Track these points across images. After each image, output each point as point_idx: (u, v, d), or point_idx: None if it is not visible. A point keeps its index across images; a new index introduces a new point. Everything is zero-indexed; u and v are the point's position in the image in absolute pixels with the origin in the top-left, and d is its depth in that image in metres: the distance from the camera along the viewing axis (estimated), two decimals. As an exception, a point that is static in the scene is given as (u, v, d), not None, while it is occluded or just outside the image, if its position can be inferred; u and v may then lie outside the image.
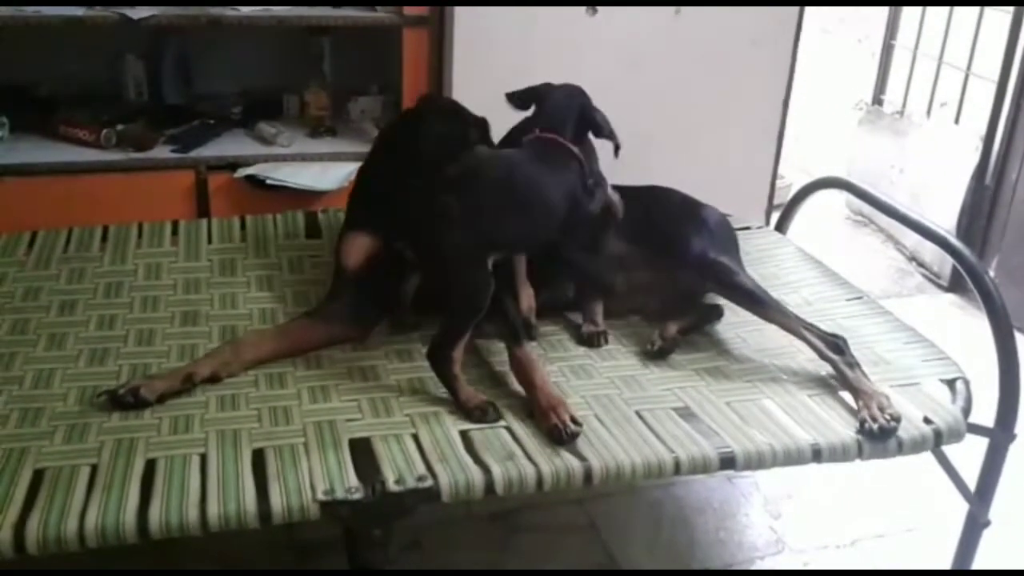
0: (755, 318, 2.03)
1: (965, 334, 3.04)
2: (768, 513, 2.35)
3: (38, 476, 1.45)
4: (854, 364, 1.82)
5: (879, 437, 1.66)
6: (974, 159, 3.59)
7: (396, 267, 1.83)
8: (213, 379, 1.73)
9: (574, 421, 1.62)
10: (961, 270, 2.03)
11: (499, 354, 1.85)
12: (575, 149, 1.93)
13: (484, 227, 1.73)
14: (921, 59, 4.02)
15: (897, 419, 1.68)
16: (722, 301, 2.10)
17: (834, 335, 1.88)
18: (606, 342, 1.95)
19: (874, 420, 1.68)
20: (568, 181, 1.89)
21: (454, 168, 1.79)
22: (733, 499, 2.39)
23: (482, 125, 1.98)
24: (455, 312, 1.71)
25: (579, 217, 1.90)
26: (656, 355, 1.90)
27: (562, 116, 1.96)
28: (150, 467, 1.49)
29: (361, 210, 1.99)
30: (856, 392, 1.77)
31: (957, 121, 3.80)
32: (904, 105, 4.11)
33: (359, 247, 1.91)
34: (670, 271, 2.06)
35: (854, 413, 1.73)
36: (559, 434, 1.59)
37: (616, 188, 2.19)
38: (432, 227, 1.72)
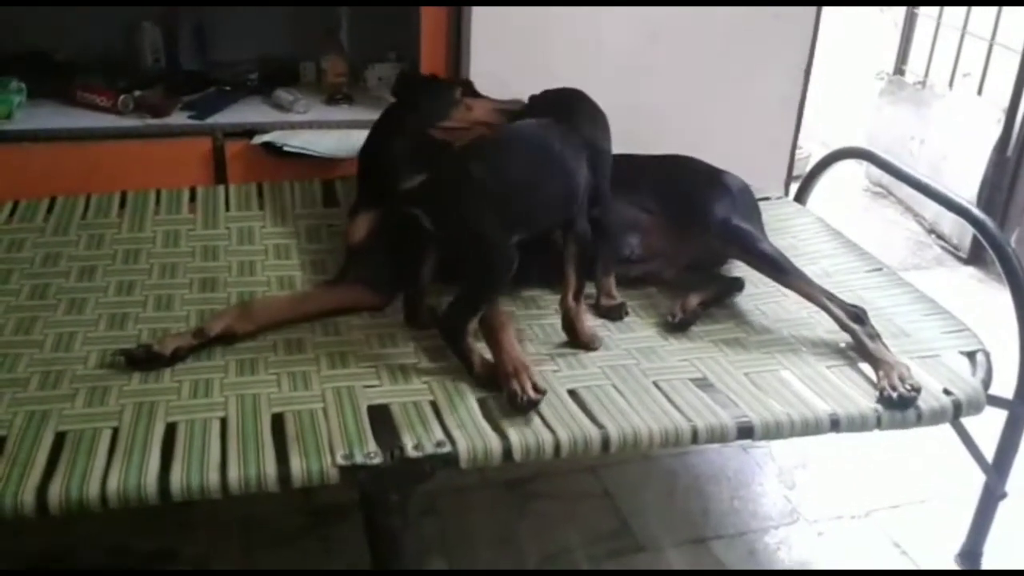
0: (774, 290, 2.03)
1: (984, 307, 3.03)
2: (783, 483, 2.35)
3: (60, 439, 1.47)
4: (875, 335, 1.82)
5: (898, 405, 1.66)
6: (996, 131, 3.55)
7: (413, 244, 1.80)
8: (227, 336, 1.74)
9: (535, 389, 1.57)
10: (983, 241, 2.01)
11: (516, 321, 1.87)
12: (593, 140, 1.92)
13: (511, 198, 1.69)
14: (944, 29, 3.96)
15: (917, 389, 1.68)
16: (740, 272, 2.09)
17: (854, 306, 1.88)
18: (627, 314, 1.94)
19: (894, 388, 1.68)
20: (582, 164, 1.87)
21: (483, 137, 1.78)
22: (748, 469, 2.39)
23: (466, 83, 2.07)
24: (473, 285, 1.69)
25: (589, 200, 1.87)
26: (677, 327, 1.89)
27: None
28: (171, 430, 1.50)
29: (365, 192, 2.03)
30: (877, 362, 1.76)
31: (980, 92, 3.75)
32: (926, 75, 4.06)
33: (362, 222, 1.94)
34: (689, 239, 2.05)
35: (873, 384, 1.72)
36: (515, 400, 1.56)
37: (637, 157, 2.18)
38: (458, 194, 1.69)
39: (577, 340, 1.81)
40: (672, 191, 2.09)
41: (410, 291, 1.84)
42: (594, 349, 1.81)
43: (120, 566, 1.96)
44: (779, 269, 1.96)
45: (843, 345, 1.86)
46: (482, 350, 1.70)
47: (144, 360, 1.65)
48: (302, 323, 1.83)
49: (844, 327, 1.85)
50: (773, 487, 2.34)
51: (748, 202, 2.15)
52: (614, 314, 1.94)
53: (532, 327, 1.88)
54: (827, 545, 2.16)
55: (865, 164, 4.18)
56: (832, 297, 1.90)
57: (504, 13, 2.49)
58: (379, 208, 1.94)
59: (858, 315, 1.85)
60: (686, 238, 2.06)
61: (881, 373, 1.73)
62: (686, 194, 2.08)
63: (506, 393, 1.58)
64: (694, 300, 1.94)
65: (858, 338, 1.82)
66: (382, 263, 1.91)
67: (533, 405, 1.56)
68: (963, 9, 3.83)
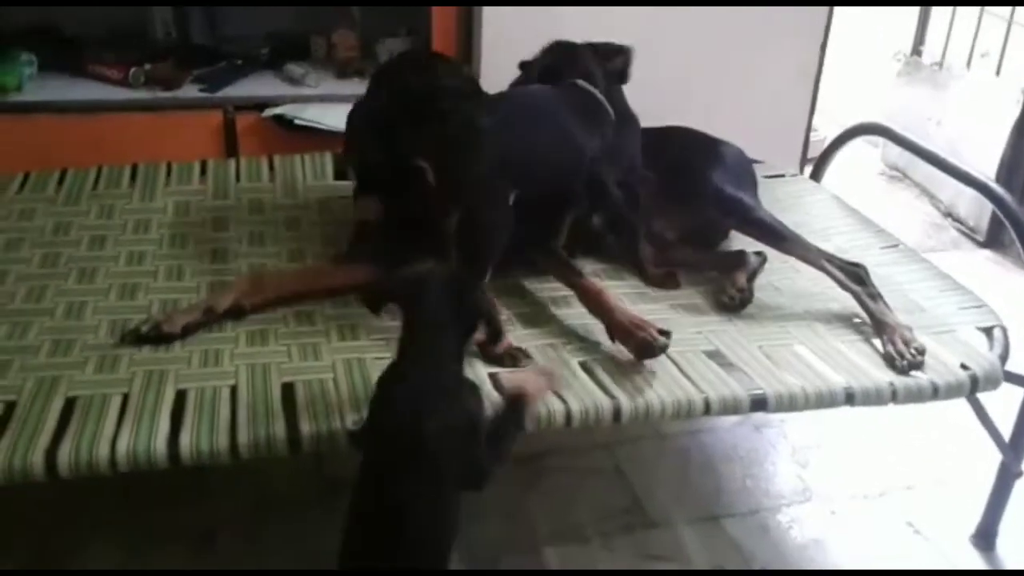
0: (787, 266, 2.01)
1: (1001, 288, 3.00)
2: (796, 462, 2.33)
3: (70, 404, 1.47)
4: (876, 295, 1.82)
5: (908, 372, 1.66)
6: (1015, 111, 3.50)
7: (430, 211, 1.74)
8: (236, 311, 1.73)
9: (662, 332, 1.62)
10: (1002, 217, 1.98)
11: (520, 295, 1.86)
12: (608, 108, 1.91)
13: (512, 151, 1.68)
14: (962, 8, 3.91)
15: (922, 352, 1.69)
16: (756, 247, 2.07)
17: (854, 264, 1.87)
18: (678, 285, 1.93)
19: (902, 356, 1.68)
20: (594, 135, 1.87)
21: (487, 96, 1.79)
22: (760, 447, 2.37)
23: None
24: (477, 248, 1.66)
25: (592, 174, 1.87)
26: (738, 306, 1.86)
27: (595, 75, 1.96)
28: (180, 397, 1.50)
29: (366, 175, 1.97)
30: (878, 324, 1.76)
31: (998, 73, 3.70)
32: (943, 56, 4.01)
33: (372, 202, 1.92)
34: (686, 209, 2.04)
35: (889, 359, 1.70)
36: (649, 346, 1.60)
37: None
38: (464, 144, 1.66)
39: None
40: (668, 163, 2.07)
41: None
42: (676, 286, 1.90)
43: (127, 545, 1.95)
44: (776, 236, 1.96)
45: (857, 320, 1.84)
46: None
47: (154, 340, 1.64)
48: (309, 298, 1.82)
49: (845, 287, 1.85)
50: (786, 466, 2.32)
51: (743, 171, 2.13)
52: (670, 283, 1.92)
53: (545, 304, 1.87)
54: (840, 524, 2.14)
55: (881, 147, 4.14)
56: (831, 259, 1.89)
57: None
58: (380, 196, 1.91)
59: (858, 275, 1.85)
60: (683, 208, 2.05)
61: (885, 338, 1.73)
62: (681, 166, 2.06)
63: (634, 344, 1.62)
64: (741, 278, 1.91)
65: (860, 299, 1.82)
66: (389, 243, 1.89)
67: (664, 348, 1.61)
68: (982, -11, 3.78)
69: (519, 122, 1.77)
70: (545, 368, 1.59)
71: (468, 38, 2.53)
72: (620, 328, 1.66)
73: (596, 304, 1.73)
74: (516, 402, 1.39)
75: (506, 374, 1.51)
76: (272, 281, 1.83)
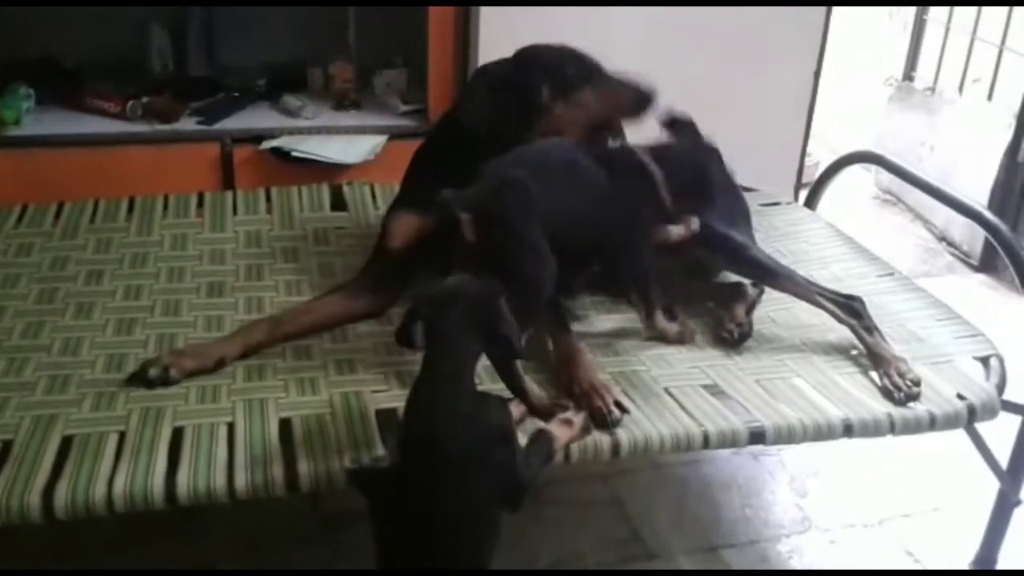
0: (784, 297, 2.00)
1: (996, 313, 3.01)
2: (794, 491, 2.33)
3: (66, 442, 1.46)
4: (872, 328, 1.82)
5: (905, 404, 1.66)
6: (1007, 136, 3.53)
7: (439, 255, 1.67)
8: (244, 357, 1.72)
9: (619, 407, 1.58)
10: (996, 245, 1.99)
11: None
12: (654, 172, 1.81)
13: (546, 203, 1.63)
14: (954, 34, 3.95)
15: (918, 383, 1.69)
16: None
17: (849, 297, 1.87)
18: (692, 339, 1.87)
19: (898, 388, 1.68)
20: (628, 195, 1.78)
21: (524, 147, 1.76)
22: (759, 477, 2.37)
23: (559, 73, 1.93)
24: (517, 298, 1.54)
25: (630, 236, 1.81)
26: (737, 342, 1.83)
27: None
28: (177, 435, 1.49)
29: (414, 191, 1.94)
30: (874, 357, 1.76)
31: (990, 98, 3.73)
32: (936, 81, 4.04)
33: (406, 226, 1.87)
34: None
35: (886, 391, 1.70)
36: (603, 418, 1.56)
37: None
38: (501, 199, 1.61)
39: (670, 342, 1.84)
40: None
41: None
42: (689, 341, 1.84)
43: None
44: (768, 273, 1.94)
45: (855, 352, 1.84)
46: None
47: (161, 385, 1.62)
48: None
49: (841, 321, 1.84)
50: (785, 495, 2.32)
51: (734, 205, 2.10)
52: (687, 338, 1.86)
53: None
54: (839, 554, 2.13)
55: (874, 171, 4.17)
56: (823, 292, 1.89)
57: (513, 15, 2.48)
58: (426, 211, 1.81)
59: (853, 308, 1.84)
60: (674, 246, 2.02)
61: (881, 371, 1.74)
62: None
63: (588, 409, 1.57)
64: (740, 311, 1.90)
65: (856, 332, 1.82)
66: (395, 269, 1.87)
67: (617, 423, 1.57)
68: (973, 14, 3.82)
69: (549, 171, 1.71)
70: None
71: (464, 70, 2.55)
72: (580, 388, 1.62)
73: (567, 360, 1.68)
74: (544, 435, 1.43)
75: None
76: (285, 325, 1.79)
